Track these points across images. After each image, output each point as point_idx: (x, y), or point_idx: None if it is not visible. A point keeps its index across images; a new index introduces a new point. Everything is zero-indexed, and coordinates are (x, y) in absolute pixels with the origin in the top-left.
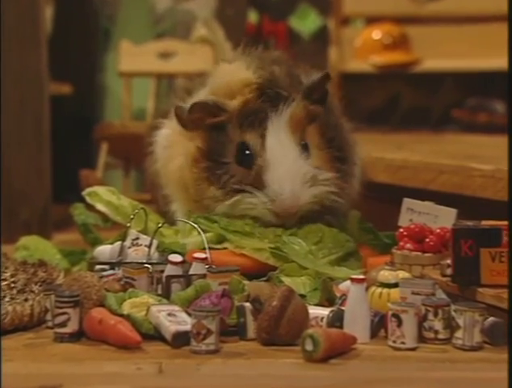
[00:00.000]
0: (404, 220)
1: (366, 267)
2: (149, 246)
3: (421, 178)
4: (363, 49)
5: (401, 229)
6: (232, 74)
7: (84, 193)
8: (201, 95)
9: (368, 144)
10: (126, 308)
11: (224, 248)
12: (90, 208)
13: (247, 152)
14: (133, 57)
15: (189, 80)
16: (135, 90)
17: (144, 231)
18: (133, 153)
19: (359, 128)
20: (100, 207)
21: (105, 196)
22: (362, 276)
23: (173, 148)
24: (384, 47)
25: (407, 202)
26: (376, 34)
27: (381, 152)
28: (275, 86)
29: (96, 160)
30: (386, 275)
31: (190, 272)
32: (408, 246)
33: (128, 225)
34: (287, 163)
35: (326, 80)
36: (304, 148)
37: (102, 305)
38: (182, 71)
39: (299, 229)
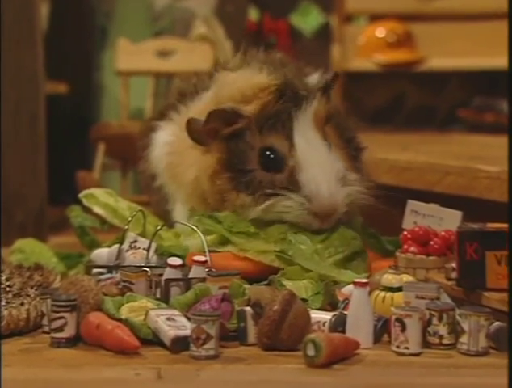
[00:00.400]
0: (408, 222)
1: (370, 271)
2: (148, 249)
3: (426, 179)
4: (366, 47)
5: (405, 232)
6: (243, 80)
7: (80, 195)
8: (205, 101)
9: (372, 144)
10: (124, 312)
11: (228, 251)
12: (87, 210)
13: (272, 156)
14: (131, 56)
15: (185, 81)
16: (133, 89)
17: (142, 234)
18: (131, 153)
19: (363, 128)
20: (97, 209)
21: (102, 198)
22: (364, 280)
23: (181, 157)
24: (388, 45)
25: (411, 204)
26: (380, 32)
27: (385, 153)
28: (293, 86)
29: (93, 161)
30: (389, 278)
31: (190, 276)
32: (412, 249)
33: (126, 227)
34: (320, 162)
35: (336, 79)
36: (329, 148)
37: (99, 309)
38: (181, 70)
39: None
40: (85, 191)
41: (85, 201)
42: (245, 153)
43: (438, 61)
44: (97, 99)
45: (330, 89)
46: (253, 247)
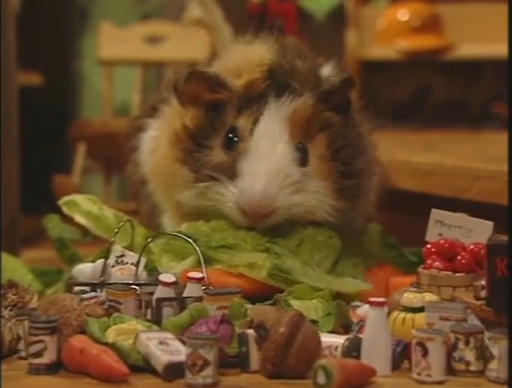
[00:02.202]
0: (432, 234)
1: (388, 289)
2: (137, 265)
3: (453, 185)
4: (386, 32)
5: (429, 245)
6: (246, 53)
7: (60, 202)
8: None
9: (392, 145)
10: (111, 335)
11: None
12: (67, 220)
13: (233, 137)
14: (115, 42)
15: (179, 72)
16: (117, 80)
17: (130, 247)
18: (115, 155)
19: (382, 126)
20: (79, 218)
21: (85, 205)
22: (382, 299)
23: (160, 140)
24: (412, 30)
25: (436, 213)
26: (403, 14)
27: (407, 154)
28: (288, 75)
29: (72, 163)
30: (410, 297)
31: (185, 295)
32: (436, 264)
33: (112, 239)
34: (270, 157)
35: (347, 86)
36: (302, 152)
37: (83, 332)
38: (172, 59)
39: (274, 236)
40: (65, 198)
41: (65, 209)
42: (215, 128)
43: (470, 48)
44: (76, 92)
45: (339, 95)
46: (240, 262)
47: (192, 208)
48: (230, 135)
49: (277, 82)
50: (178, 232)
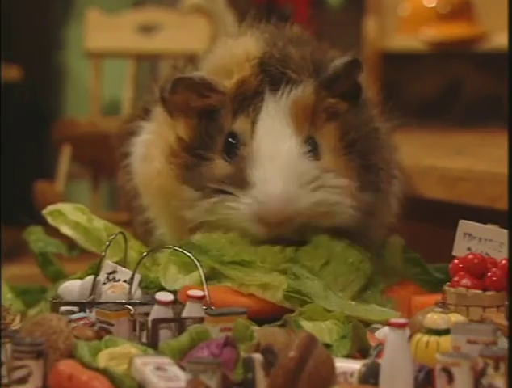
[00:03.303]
0: (460, 248)
1: (410, 309)
2: (130, 282)
3: (485, 193)
4: (410, 20)
5: (456, 260)
6: (232, 49)
7: (44, 212)
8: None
9: (417, 147)
10: (102, 360)
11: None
12: (51, 232)
13: (232, 142)
14: (104, 32)
15: (177, 66)
16: (106, 75)
17: (123, 262)
18: (104, 158)
19: (405, 126)
20: (65, 230)
21: (72, 215)
22: (403, 320)
23: (152, 149)
24: (440, 17)
25: (464, 225)
26: (429, 0)
27: (434, 158)
28: (282, 64)
29: (55, 168)
30: (435, 318)
31: (184, 315)
32: (464, 282)
33: (103, 254)
34: (278, 156)
35: (354, 67)
36: (311, 145)
37: (71, 356)
38: (168, 50)
39: (299, 250)
40: (50, 208)
41: (50, 220)
42: (212, 136)
43: (505, 38)
44: (60, 88)
45: (345, 79)
46: (253, 281)
47: (200, 224)
48: (230, 141)
49: (270, 74)
50: (185, 244)
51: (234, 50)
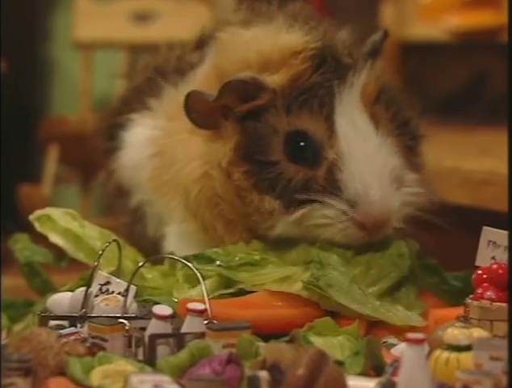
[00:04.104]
0: (484, 257)
1: (429, 323)
2: (125, 294)
3: None
4: (432, 7)
5: (480, 271)
6: (264, 40)
7: (32, 218)
8: (202, 75)
9: (438, 147)
10: (96, 378)
11: (240, 289)
12: (38, 239)
13: (302, 144)
14: (95, 20)
15: (162, 55)
16: (97, 68)
17: (117, 273)
18: (95, 160)
19: (425, 123)
20: (55, 238)
21: (62, 221)
22: (420, 336)
23: (173, 154)
24: (464, 3)
25: (488, 232)
26: None
27: (457, 159)
28: (335, 51)
29: (42, 170)
30: (455, 334)
31: (183, 330)
32: (489, 294)
33: (96, 263)
34: (370, 155)
35: (386, 40)
36: (382, 135)
37: (62, 373)
38: (165, 40)
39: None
40: (37, 213)
41: (38, 226)
42: (267, 138)
43: None
44: (46, 82)
45: (379, 54)
46: (266, 278)
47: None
48: (296, 142)
49: (331, 65)
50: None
51: (275, 42)
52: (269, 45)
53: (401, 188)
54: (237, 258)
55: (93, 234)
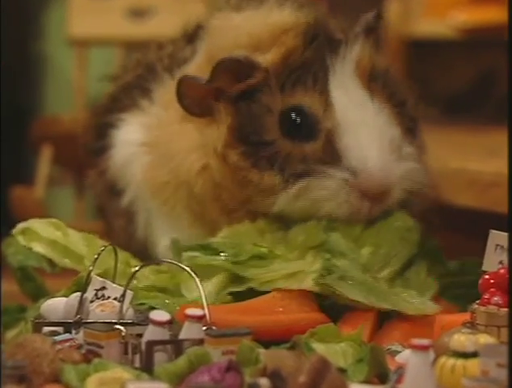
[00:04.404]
0: (491, 262)
1: (435, 329)
2: (121, 300)
3: None
4: (438, 2)
5: (487, 276)
6: (255, 20)
7: (14, 232)
8: (195, 63)
9: (445, 148)
10: (91, 385)
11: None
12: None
13: (298, 120)
14: (90, 16)
15: (150, 54)
16: (93, 65)
17: (112, 278)
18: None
19: (431, 123)
20: (39, 248)
21: (45, 232)
22: (426, 342)
23: (169, 149)
24: None
25: (496, 236)
26: None
27: (464, 160)
28: (327, 27)
29: (34, 172)
30: (462, 340)
31: (181, 336)
32: (496, 299)
33: (91, 268)
34: (367, 122)
35: (381, 20)
36: (379, 108)
37: (57, 380)
38: (163, 36)
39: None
40: (20, 226)
41: (21, 239)
42: (261, 118)
43: None
44: (39, 80)
45: (374, 32)
46: (275, 275)
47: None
48: (291, 118)
49: (322, 40)
50: (196, 246)
51: (265, 22)
52: (259, 25)
53: (401, 160)
54: (244, 251)
55: (77, 240)
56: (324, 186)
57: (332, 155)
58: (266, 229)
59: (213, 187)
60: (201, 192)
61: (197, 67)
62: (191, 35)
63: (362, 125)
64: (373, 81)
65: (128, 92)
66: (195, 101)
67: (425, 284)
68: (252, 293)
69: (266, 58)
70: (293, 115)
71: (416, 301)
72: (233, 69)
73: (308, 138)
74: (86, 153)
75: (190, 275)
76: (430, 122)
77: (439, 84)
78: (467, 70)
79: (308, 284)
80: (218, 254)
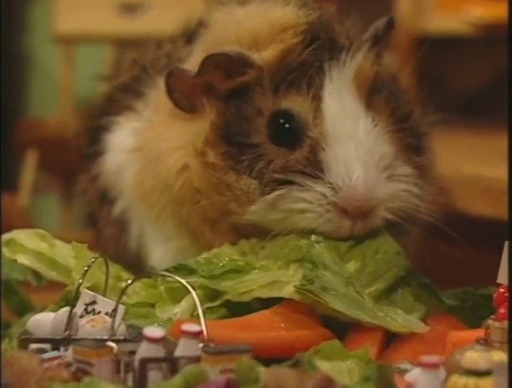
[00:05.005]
0: (506, 274)
1: (446, 346)
2: (113, 315)
3: None
4: None
5: (502, 289)
6: (255, 16)
7: None
8: (194, 58)
9: (458, 152)
10: None
11: (227, 301)
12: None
13: (287, 125)
14: (77, 11)
15: (148, 53)
16: (80, 64)
17: (103, 291)
18: (77, 167)
19: (445, 125)
20: (24, 261)
21: (30, 243)
22: (436, 360)
23: (156, 148)
24: None
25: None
26: None
27: (479, 166)
28: (330, 30)
29: (19, 179)
30: (475, 357)
31: (177, 353)
32: None
33: (80, 281)
34: (356, 136)
35: (392, 28)
36: (376, 123)
37: None
38: (155, 33)
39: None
40: (4, 237)
41: (6, 251)
42: (251, 119)
43: None
44: (23, 80)
45: (383, 41)
46: (252, 284)
47: (252, 227)
48: (280, 122)
49: (323, 42)
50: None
51: (266, 17)
52: (260, 21)
53: (392, 179)
54: (219, 265)
55: (65, 252)
56: (301, 198)
57: (314, 166)
58: (247, 251)
59: (192, 191)
60: (180, 195)
61: (195, 62)
62: (192, 34)
63: (350, 139)
64: (375, 93)
65: (123, 93)
66: (184, 95)
67: (413, 307)
68: (249, 309)
69: (262, 56)
70: (281, 119)
71: (401, 317)
72: (224, 64)
73: (293, 145)
74: (77, 157)
75: (187, 287)
76: (443, 125)
77: (453, 84)
78: (483, 69)
79: (289, 291)
80: (193, 274)
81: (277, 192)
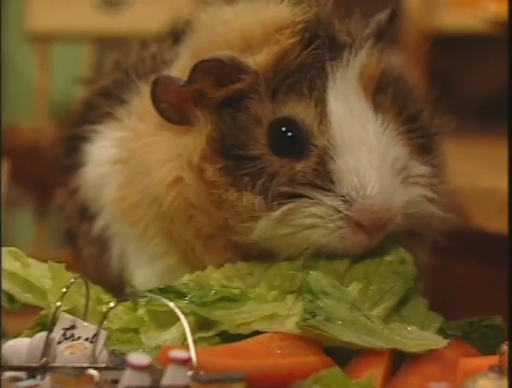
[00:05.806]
0: None
1: (458, 373)
2: (94, 341)
3: None
4: None
5: None
6: (247, 16)
7: None
8: (181, 63)
9: (474, 162)
10: None
11: (219, 333)
12: None
13: (289, 134)
14: (53, 8)
15: (132, 55)
16: (57, 64)
17: (82, 315)
18: (53, 178)
19: (459, 132)
20: None
21: (3, 263)
22: (443, 387)
23: (142, 161)
24: None
25: None
26: None
27: (496, 178)
28: (329, 27)
29: None
30: (487, 386)
31: (164, 382)
32: None
33: (58, 304)
34: (368, 142)
35: (394, 20)
36: (385, 124)
37: None
38: (139, 32)
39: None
40: None
41: None
42: (248, 129)
43: None
44: None
45: (386, 34)
46: (250, 316)
47: (254, 245)
48: (281, 131)
49: (323, 42)
50: (159, 289)
51: (257, 17)
52: (251, 21)
53: (408, 182)
54: (211, 293)
55: (40, 272)
56: (311, 213)
57: (324, 178)
58: (233, 276)
59: (185, 205)
60: (171, 209)
61: (182, 68)
62: (180, 33)
63: (361, 145)
64: (381, 92)
65: (104, 99)
66: (172, 105)
67: (428, 318)
68: (244, 338)
69: (257, 60)
70: (283, 127)
71: (417, 336)
72: (216, 71)
73: (298, 156)
74: (54, 168)
75: (174, 310)
76: (456, 132)
77: (467, 86)
78: (500, 69)
79: (290, 326)
80: (182, 298)
81: (284, 208)
